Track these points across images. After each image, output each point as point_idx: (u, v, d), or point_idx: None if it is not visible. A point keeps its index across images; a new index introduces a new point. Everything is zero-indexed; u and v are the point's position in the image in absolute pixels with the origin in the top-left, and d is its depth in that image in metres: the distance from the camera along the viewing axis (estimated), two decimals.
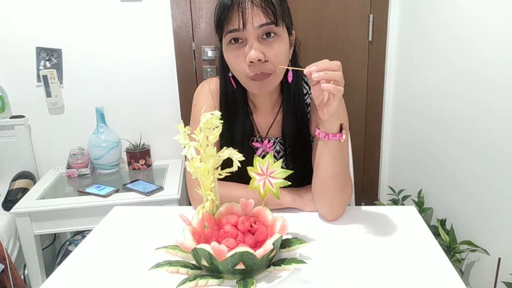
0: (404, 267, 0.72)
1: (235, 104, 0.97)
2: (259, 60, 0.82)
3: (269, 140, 1.01)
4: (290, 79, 0.92)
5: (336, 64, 0.75)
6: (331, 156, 0.84)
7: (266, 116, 1.01)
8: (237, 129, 0.98)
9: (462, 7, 1.37)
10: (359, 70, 1.99)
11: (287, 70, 0.91)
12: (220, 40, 0.89)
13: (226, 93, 0.96)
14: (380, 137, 2.09)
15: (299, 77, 0.97)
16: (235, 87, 0.94)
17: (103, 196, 1.59)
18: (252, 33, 0.81)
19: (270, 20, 0.81)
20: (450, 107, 1.47)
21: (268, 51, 0.83)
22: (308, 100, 0.99)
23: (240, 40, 0.83)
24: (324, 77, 0.73)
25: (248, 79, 0.87)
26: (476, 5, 1.30)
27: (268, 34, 0.83)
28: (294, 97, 0.95)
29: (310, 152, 1.00)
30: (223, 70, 0.95)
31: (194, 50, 1.92)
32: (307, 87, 0.99)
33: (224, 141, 0.98)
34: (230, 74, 0.93)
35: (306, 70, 0.75)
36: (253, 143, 1.01)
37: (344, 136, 0.82)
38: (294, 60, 0.94)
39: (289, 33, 0.89)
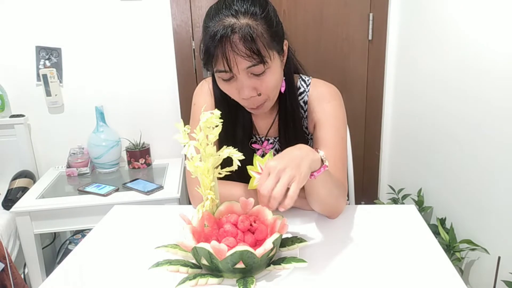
0: (404, 266, 0.72)
1: (233, 106, 0.96)
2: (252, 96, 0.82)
3: (268, 140, 1.01)
4: (283, 89, 0.92)
5: (276, 176, 0.68)
6: (322, 185, 0.82)
7: (265, 117, 1.01)
8: (237, 130, 0.97)
9: (462, 6, 1.37)
10: (359, 69, 1.99)
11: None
12: None
13: (224, 96, 0.95)
14: (380, 135, 2.09)
15: (292, 79, 0.95)
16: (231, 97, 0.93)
17: (103, 195, 1.59)
18: (239, 74, 0.80)
19: (256, 62, 0.78)
20: (450, 105, 1.47)
21: (259, 86, 0.82)
22: (305, 98, 0.98)
23: (229, 77, 0.82)
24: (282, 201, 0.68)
25: (243, 105, 0.89)
26: (476, 3, 1.30)
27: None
28: (287, 101, 0.95)
29: None
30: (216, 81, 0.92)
31: (194, 49, 1.92)
32: (304, 85, 0.99)
33: (224, 142, 0.97)
34: None
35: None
36: (252, 145, 1.01)
37: (326, 162, 0.76)
38: (288, 69, 0.92)
39: (281, 49, 0.85)
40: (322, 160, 0.76)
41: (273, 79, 0.83)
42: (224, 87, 0.86)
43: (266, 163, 0.71)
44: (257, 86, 0.82)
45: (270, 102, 0.88)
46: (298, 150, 0.73)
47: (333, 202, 0.87)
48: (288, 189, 0.68)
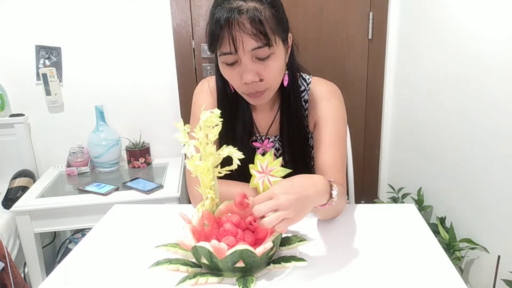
0: (403, 265, 0.72)
1: (234, 104, 0.97)
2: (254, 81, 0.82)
3: (269, 139, 1.01)
4: (285, 83, 0.92)
5: (276, 204, 0.65)
6: (326, 211, 0.83)
7: (266, 115, 1.01)
8: (237, 129, 0.98)
9: (462, 4, 1.37)
10: (359, 68, 1.99)
11: (283, 75, 0.91)
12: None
13: (225, 93, 0.96)
14: (379, 135, 2.09)
15: (295, 75, 0.96)
16: (233, 91, 0.93)
17: (103, 195, 1.59)
18: (244, 56, 0.80)
19: (262, 43, 0.78)
20: (450, 105, 1.47)
21: (262, 71, 0.82)
22: (306, 97, 0.99)
23: (233, 60, 0.82)
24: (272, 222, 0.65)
25: (243, 93, 0.88)
26: (476, 2, 1.29)
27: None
28: (290, 98, 0.95)
29: (309, 149, 1.00)
30: (219, 73, 0.94)
31: (193, 48, 1.92)
32: (305, 84, 0.99)
33: (224, 139, 0.97)
34: None
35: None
36: (253, 143, 1.01)
37: (333, 202, 0.74)
38: (291, 63, 0.93)
39: (286, 39, 0.86)
40: (331, 194, 0.74)
41: (276, 65, 0.83)
42: (227, 72, 0.85)
43: (273, 188, 0.68)
44: (260, 72, 0.82)
45: (270, 92, 0.87)
46: (311, 188, 0.69)
47: (335, 213, 0.89)
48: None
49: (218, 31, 0.78)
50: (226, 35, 0.78)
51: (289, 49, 0.90)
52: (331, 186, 0.74)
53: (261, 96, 0.86)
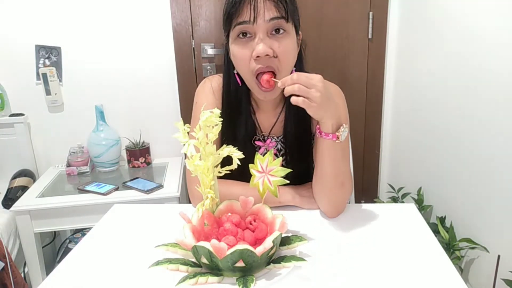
0: (403, 265, 0.72)
1: (237, 103, 0.96)
2: (267, 55, 0.81)
3: (271, 139, 1.01)
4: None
5: (312, 82, 0.74)
6: (329, 154, 0.84)
7: (269, 116, 1.00)
8: (240, 128, 0.97)
9: (462, 4, 1.37)
10: (359, 68, 1.99)
11: (291, 72, 0.91)
12: (227, 36, 0.88)
13: (229, 91, 0.96)
14: (379, 134, 2.09)
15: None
16: (240, 84, 0.93)
17: (103, 194, 1.59)
18: (261, 27, 0.81)
19: (281, 15, 0.81)
20: (450, 104, 1.47)
21: (276, 47, 0.82)
22: None
23: (248, 35, 0.83)
24: (294, 91, 0.75)
25: (252, 77, 0.86)
26: (476, 2, 1.29)
27: (277, 30, 0.82)
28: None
29: (310, 151, 1.00)
30: (227, 67, 0.94)
31: (193, 48, 1.92)
32: None
33: (226, 139, 0.97)
34: (235, 71, 0.92)
35: (279, 84, 0.77)
36: (255, 142, 1.01)
37: (340, 138, 0.81)
38: (299, 61, 0.93)
39: (297, 33, 0.88)
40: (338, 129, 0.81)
41: (289, 45, 0.84)
42: (239, 49, 0.85)
43: (320, 77, 0.75)
44: (274, 47, 0.82)
45: (280, 76, 0.85)
46: (335, 108, 0.79)
47: (337, 188, 0.87)
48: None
49: (239, 2, 0.81)
50: (247, 2, 0.80)
51: (298, 48, 0.91)
52: (340, 128, 0.82)
53: (271, 85, 0.85)
